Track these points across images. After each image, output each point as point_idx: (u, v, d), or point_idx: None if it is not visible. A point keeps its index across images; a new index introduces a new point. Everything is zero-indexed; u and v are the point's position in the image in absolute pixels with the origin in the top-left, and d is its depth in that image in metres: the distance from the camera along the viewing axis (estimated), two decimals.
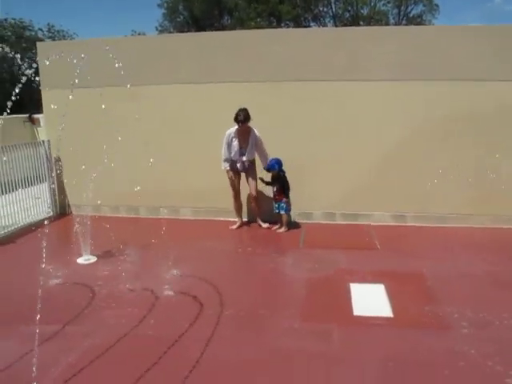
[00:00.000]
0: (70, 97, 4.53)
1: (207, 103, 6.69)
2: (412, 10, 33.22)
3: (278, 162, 6.17)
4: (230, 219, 6.71)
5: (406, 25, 33.30)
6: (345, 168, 6.54)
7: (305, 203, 6.67)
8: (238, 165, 6.26)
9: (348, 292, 4.36)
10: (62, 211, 7.57)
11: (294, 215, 6.70)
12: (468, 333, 3.56)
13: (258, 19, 31.62)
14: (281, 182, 6.20)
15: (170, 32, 35.39)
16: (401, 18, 33.47)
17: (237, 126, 6.02)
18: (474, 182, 6.23)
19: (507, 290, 4.43)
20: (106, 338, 3.49)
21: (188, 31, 34.51)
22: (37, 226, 6.26)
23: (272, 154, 6.34)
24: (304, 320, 3.83)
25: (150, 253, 5.44)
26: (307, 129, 6.49)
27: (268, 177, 6.35)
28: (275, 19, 31.31)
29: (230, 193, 6.43)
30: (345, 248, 5.65)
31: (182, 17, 35.16)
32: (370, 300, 4.24)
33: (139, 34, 33.46)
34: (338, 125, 6.49)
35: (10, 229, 6.43)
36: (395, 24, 33.65)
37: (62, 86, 6.90)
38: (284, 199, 6.22)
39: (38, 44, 7.43)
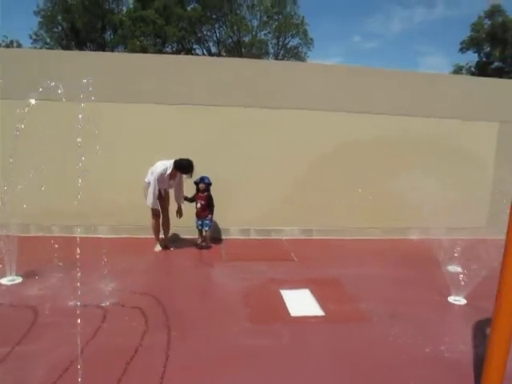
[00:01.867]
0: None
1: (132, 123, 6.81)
2: (289, 41, 35.76)
3: (208, 178, 6.47)
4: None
5: (284, 55, 36.06)
6: (259, 187, 7.12)
7: (222, 220, 7.06)
8: (162, 192, 6.32)
9: (280, 297, 4.88)
10: None
11: (212, 231, 7.04)
12: (383, 321, 4.34)
13: (142, 38, 31.54)
14: (208, 199, 6.49)
15: (46, 43, 33.59)
16: (279, 48, 35.83)
17: (168, 165, 6.14)
18: (371, 199, 7.23)
19: (404, 286, 5.36)
20: (65, 353, 3.48)
21: (67, 44, 33.09)
22: None
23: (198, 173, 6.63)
24: (251, 322, 4.23)
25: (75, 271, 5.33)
26: (231, 151, 6.95)
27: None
28: (160, 40, 31.42)
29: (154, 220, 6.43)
30: (266, 260, 6.18)
31: (60, 28, 33.40)
32: (301, 303, 4.78)
33: (11, 42, 31.17)
34: (257, 149, 7.05)
35: None
36: (274, 54, 36.13)
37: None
38: (209, 216, 6.52)
39: None
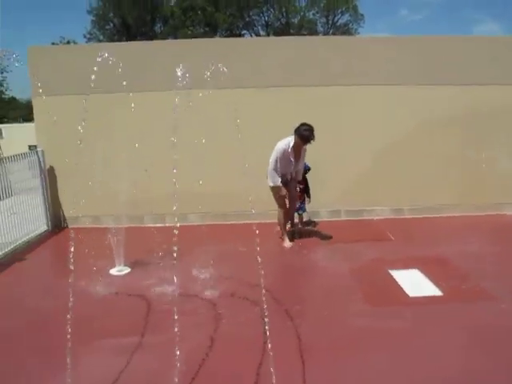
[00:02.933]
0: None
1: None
2: (339, 19, 34.90)
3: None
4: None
5: (334, 33, 35.14)
6: (347, 167, 7.00)
7: (311, 202, 6.98)
8: (288, 177, 5.84)
9: (391, 278, 4.77)
10: (56, 224, 7.27)
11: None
12: (508, 298, 4.11)
13: (191, 28, 31.79)
14: (305, 183, 6.42)
15: (100, 40, 34.51)
16: (329, 26, 35.05)
17: (291, 140, 5.53)
18: (462, 174, 6.95)
19: None
20: (197, 343, 3.50)
21: (119, 40, 33.84)
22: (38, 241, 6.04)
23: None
24: (371, 305, 4.16)
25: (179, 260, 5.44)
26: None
27: None
28: (210, 28, 31.52)
29: (282, 210, 5.90)
30: (364, 240, 6.08)
31: (112, 24, 34.23)
32: (415, 283, 4.65)
33: (68, 42, 32.23)
34: (341, 128, 6.92)
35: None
36: (323, 32, 35.32)
37: (55, 93, 6.83)
38: (307, 199, 6.47)
39: (29, 48, 7.11)
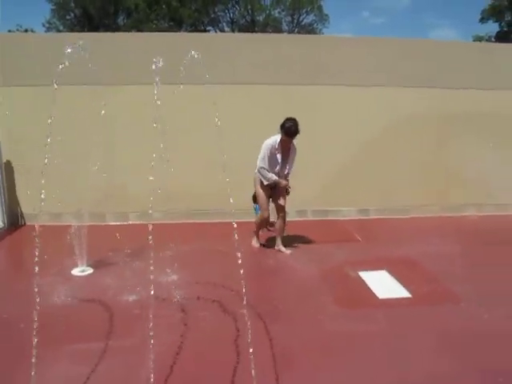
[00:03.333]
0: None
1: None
2: (304, 19, 35.13)
3: None
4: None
5: (299, 32, 35.34)
6: (314, 168, 6.99)
7: None
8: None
9: (360, 279, 4.80)
10: (13, 222, 6.91)
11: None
12: (475, 301, 4.20)
13: (156, 22, 31.20)
14: None
15: (59, 31, 33.32)
16: (294, 25, 35.23)
17: (278, 136, 5.32)
18: (425, 176, 7.11)
19: (482, 264, 5.23)
20: (166, 346, 3.39)
21: (80, 31, 32.81)
22: None
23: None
24: (342, 307, 4.17)
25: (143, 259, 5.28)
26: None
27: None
28: (175, 23, 31.03)
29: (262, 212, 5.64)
30: (331, 241, 6.11)
31: (72, 14, 33.15)
32: (383, 284, 4.68)
33: (26, 30, 30.93)
34: (309, 128, 6.88)
35: None
36: (288, 31, 35.45)
37: (15, 83, 6.52)
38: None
39: None
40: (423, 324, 3.85)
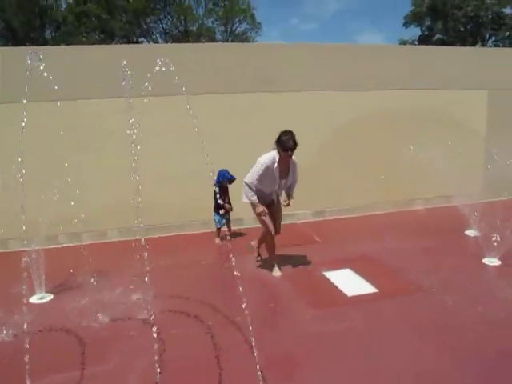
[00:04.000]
0: None
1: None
2: (237, 27, 35.46)
3: (228, 171, 6.25)
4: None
5: (233, 41, 35.65)
6: None
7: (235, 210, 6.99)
8: (272, 197, 5.23)
9: (327, 279, 4.91)
10: None
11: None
12: (436, 289, 4.47)
13: (85, 34, 30.30)
14: (227, 194, 6.32)
15: None
16: (228, 34, 35.47)
17: (276, 154, 4.85)
18: (376, 175, 7.40)
19: (436, 254, 5.55)
20: (144, 370, 3.31)
21: (5, 45, 31.20)
22: None
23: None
24: (316, 308, 4.24)
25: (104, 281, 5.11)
26: (232, 138, 6.84)
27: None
28: (106, 35, 30.29)
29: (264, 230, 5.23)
30: (291, 245, 6.17)
31: None
32: (350, 282, 4.82)
33: None
34: (259, 133, 6.97)
35: None
36: (223, 40, 35.65)
37: None
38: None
39: None
40: (394, 316, 4.01)
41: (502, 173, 7.24)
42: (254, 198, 4.90)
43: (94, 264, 4.96)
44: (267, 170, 4.82)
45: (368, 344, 3.56)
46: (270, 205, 5.14)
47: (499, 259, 5.23)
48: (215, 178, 6.17)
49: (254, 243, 5.68)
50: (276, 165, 4.82)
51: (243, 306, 4.43)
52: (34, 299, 4.68)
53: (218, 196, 6.10)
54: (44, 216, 5.03)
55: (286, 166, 4.92)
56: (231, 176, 6.19)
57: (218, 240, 6.49)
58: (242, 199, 5.03)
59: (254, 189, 4.87)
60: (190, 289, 4.79)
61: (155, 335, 3.72)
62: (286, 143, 4.70)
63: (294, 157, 4.88)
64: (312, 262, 5.50)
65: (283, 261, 5.54)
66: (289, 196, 5.12)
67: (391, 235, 6.34)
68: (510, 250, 5.22)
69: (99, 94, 6.40)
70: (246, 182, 4.88)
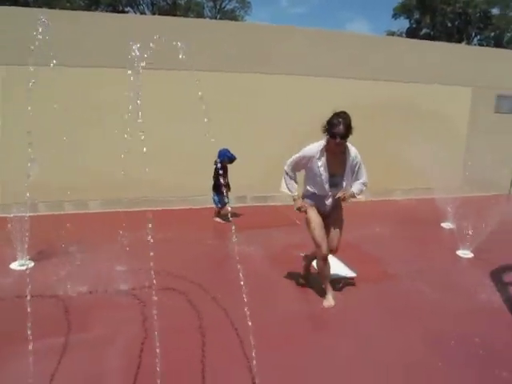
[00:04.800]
0: None
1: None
2: (226, 5, 34.93)
3: (229, 151, 6.18)
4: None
5: (221, 18, 35.11)
6: (253, 155, 7.11)
7: None
8: (327, 203, 3.99)
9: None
10: None
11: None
12: (412, 277, 4.61)
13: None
14: (227, 173, 6.29)
15: None
16: (216, 11, 34.92)
17: (323, 142, 3.79)
18: None
19: (413, 243, 5.79)
20: (129, 338, 3.36)
21: None
22: None
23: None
24: (296, 289, 4.35)
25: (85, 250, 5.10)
26: (223, 118, 6.82)
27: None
28: (91, 1, 29.43)
29: (313, 246, 4.13)
30: (272, 226, 6.32)
31: None
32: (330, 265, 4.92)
33: None
34: (247, 115, 7.00)
35: None
36: (211, 17, 35.09)
37: None
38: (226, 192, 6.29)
39: None
40: (370, 300, 4.15)
41: (480, 169, 7.48)
42: (288, 189, 3.99)
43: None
44: (308, 161, 3.81)
45: (345, 324, 3.70)
46: (324, 215, 4.03)
47: (472, 252, 5.43)
48: (217, 157, 6.12)
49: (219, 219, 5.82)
50: (322, 156, 3.78)
51: (225, 281, 4.55)
52: (15, 265, 4.66)
53: (219, 175, 6.08)
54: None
55: (338, 160, 3.80)
56: (231, 155, 6.19)
57: (217, 218, 6.46)
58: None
59: (290, 176, 3.97)
60: (172, 264, 4.82)
61: (139, 308, 3.80)
62: (335, 127, 3.62)
63: (353, 148, 3.84)
64: (293, 243, 5.60)
65: (266, 241, 5.63)
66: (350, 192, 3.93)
67: (370, 224, 6.50)
68: (482, 243, 5.43)
69: (100, 62, 6.30)
70: (285, 172, 3.99)
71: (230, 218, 6.14)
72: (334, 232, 4.05)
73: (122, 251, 4.67)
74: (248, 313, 3.67)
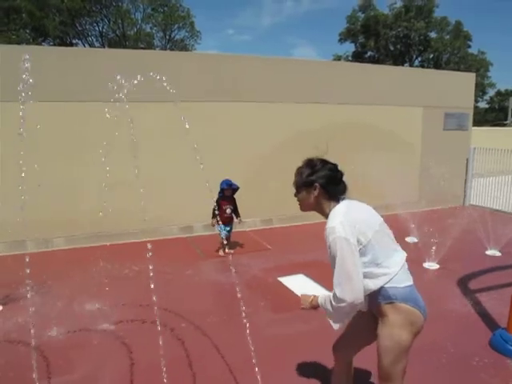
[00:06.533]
0: None
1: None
2: (176, 34, 35.30)
3: (230, 180, 6.09)
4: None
5: (171, 48, 35.40)
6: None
7: (184, 218, 7.02)
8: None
9: (282, 284, 5.07)
10: None
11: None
12: None
13: (15, 32, 28.80)
14: (235, 202, 6.17)
15: None
16: (166, 41, 35.20)
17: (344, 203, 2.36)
18: None
19: None
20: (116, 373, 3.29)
21: None
22: None
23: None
24: (275, 312, 4.37)
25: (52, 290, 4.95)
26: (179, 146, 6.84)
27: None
28: (38, 34, 28.99)
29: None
30: (244, 252, 6.30)
31: None
32: (304, 287, 5.01)
33: None
34: (210, 143, 7.07)
35: None
36: (161, 47, 35.32)
37: None
38: (238, 218, 6.21)
39: None
40: None
41: (435, 183, 7.84)
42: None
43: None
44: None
45: (325, 344, 3.73)
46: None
47: (437, 263, 5.66)
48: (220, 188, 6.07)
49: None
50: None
51: (203, 310, 4.52)
52: None
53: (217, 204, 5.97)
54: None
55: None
56: (232, 183, 6.09)
57: (220, 252, 6.24)
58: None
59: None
60: (144, 295, 4.71)
61: (118, 344, 3.71)
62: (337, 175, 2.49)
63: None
64: (265, 267, 5.64)
65: (239, 267, 5.64)
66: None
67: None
68: (446, 254, 5.68)
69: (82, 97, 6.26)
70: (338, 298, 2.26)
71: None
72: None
73: (96, 287, 4.58)
74: (234, 339, 3.72)
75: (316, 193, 2.35)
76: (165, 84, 3.03)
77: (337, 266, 2.21)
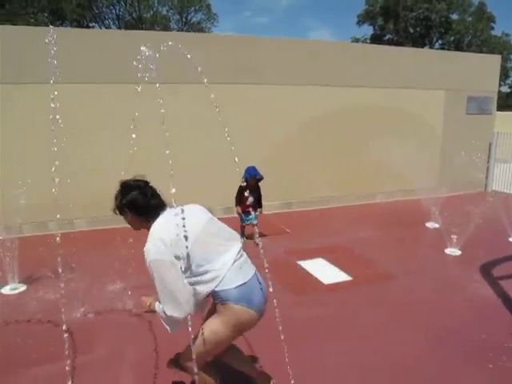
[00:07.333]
0: None
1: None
2: (192, 17, 35.06)
3: (255, 169, 5.87)
4: None
5: (188, 31, 35.17)
6: (239, 165, 7.10)
7: (204, 201, 6.99)
8: None
9: (302, 268, 5.06)
10: None
11: None
12: (405, 277, 4.69)
13: (33, 15, 28.88)
14: (258, 191, 6.01)
15: None
16: (183, 24, 34.99)
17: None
18: (341, 169, 7.66)
19: (403, 244, 5.91)
20: (135, 357, 3.35)
21: None
22: None
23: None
24: (296, 294, 4.37)
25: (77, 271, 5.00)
26: (203, 129, 6.83)
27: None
28: (56, 17, 29.03)
29: None
30: (263, 235, 6.26)
31: None
32: (324, 271, 4.99)
33: None
34: (232, 125, 7.02)
35: None
36: (177, 30, 35.12)
37: None
38: (258, 209, 6.03)
39: None
40: (370, 301, 4.21)
41: (456, 168, 7.72)
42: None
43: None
44: None
45: (347, 327, 3.73)
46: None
47: (459, 249, 5.59)
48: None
49: None
50: None
51: None
52: (6, 290, 4.54)
53: (241, 193, 5.86)
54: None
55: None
56: (256, 173, 5.84)
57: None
58: None
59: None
60: None
61: (143, 326, 3.75)
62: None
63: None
64: (285, 251, 5.64)
65: (258, 249, 5.62)
66: None
67: (357, 226, 6.62)
68: (468, 240, 5.60)
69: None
70: None
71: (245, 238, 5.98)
72: None
73: (120, 269, 4.62)
74: None
75: (130, 216, 2.37)
76: (197, 67, 2.95)
77: (158, 288, 2.19)
